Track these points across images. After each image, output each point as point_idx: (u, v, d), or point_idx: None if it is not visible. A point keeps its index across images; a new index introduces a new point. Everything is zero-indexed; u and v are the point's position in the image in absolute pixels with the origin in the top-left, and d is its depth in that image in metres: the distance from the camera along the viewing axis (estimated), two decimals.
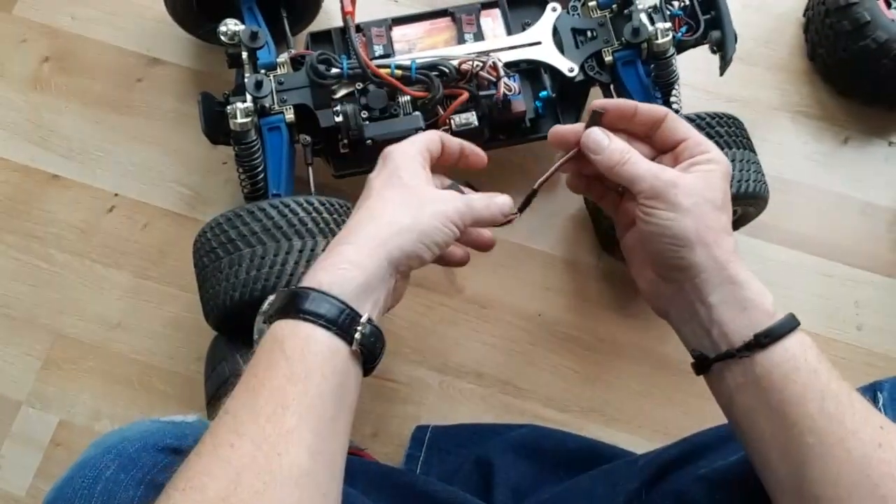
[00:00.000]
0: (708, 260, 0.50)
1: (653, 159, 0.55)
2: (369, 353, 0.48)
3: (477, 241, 0.61)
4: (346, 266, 0.48)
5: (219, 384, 0.80)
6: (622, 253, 0.59)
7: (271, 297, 0.49)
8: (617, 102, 0.55)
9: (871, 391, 0.58)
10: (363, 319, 0.47)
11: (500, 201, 0.56)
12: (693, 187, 0.51)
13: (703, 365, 0.53)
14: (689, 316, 0.53)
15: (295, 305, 0.46)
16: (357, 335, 0.46)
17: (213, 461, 0.42)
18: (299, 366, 0.44)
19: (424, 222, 0.51)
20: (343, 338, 0.46)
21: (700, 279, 0.51)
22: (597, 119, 0.54)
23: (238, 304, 0.72)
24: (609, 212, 0.60)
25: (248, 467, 0.41)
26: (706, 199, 0.51)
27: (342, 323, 0.46)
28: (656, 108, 0.54)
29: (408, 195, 0.52)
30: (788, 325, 0.49)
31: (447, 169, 0.61)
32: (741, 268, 0.51)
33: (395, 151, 0.55)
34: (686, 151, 0.53)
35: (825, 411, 0.46)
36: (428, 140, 0.57)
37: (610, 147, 0.53)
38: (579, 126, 0.55)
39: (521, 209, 0.59)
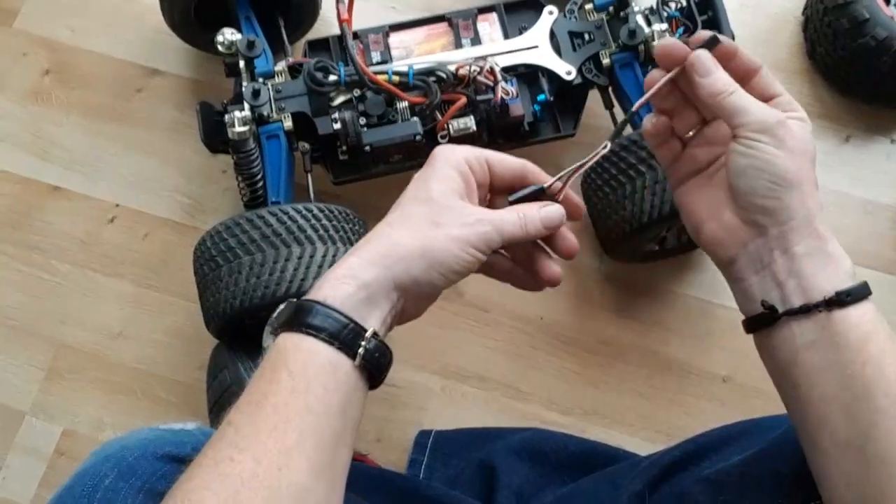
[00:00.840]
0: (801, 207, 0.48)
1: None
2: (375, 368, 0.47)
3: (558, 249, 0.55)
4: (349, 281, 0.47)
5: (220, 392, 0.80)
6: (675, 201, 0.56)
7: (280, 308, 0.48)
8: (722, 39, 0.52)
9: None
10: (368, 334, 0.46)
11: (543, 214, 0.51)
12: (798, 133, 0.49)
13: (767, 320, 0.50)
14: (762, 265, 0.50)
15: (298, 319, 0.45)
16: (361, 350, 0.45)
17: (213, 475, 0.42)
18: (301, 381, 0.44)
19: (438, 248, 0.47)
20: (346, 353, 0.45)
21: (789, 226, 0.48)
22: (708, 46, 0.51)
23: (238, 312, 0.72)
24: (664, 161, 0.56)
25: (247, 483, 0.41)
26: (808, 148, 0.49)
27: (345, 338, 0.45)
28: (754, 59, 0.52)
29: (429, 213, 0.48)
30: (866, 290, 0.48)
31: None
32: (824, 223, 0.49)
33: (439, 154, 0.51)
34: (780, 106, 0.51)
35: None
36: (492, 155, 0.52)
37: (718, 73, 0.50)
38: (687, 47, 0.52)
39: (613, 139, 0.54)
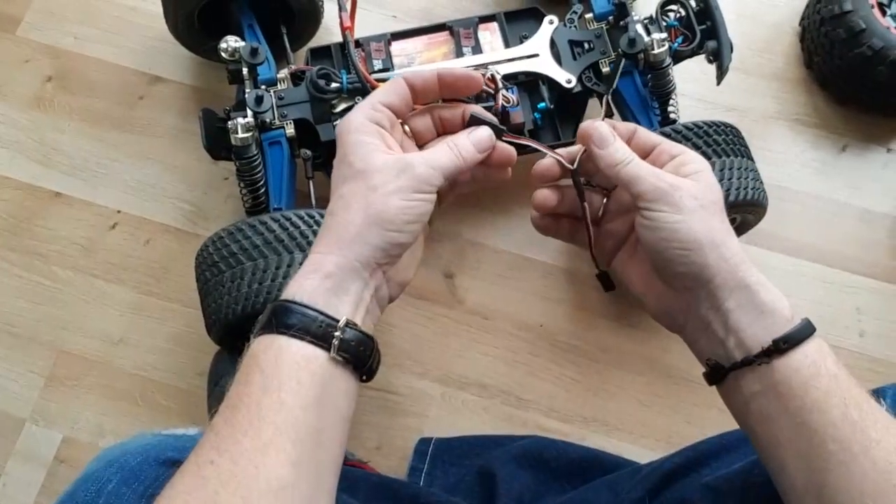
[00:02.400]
0: (720, 262, 0.48)
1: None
2: (355, 357, 0.46)
3: (491, 166, 0.54)
4: (314, 275, 0.47)
5: (221, 399, 0.80)
6: (616, 281, 0.57)
7: (262, 314, 0.48)
8: (597, 123, 0.53)
9: (874, 397, 0.58)
10: (340, 324, 0.45)
11: (474, 139, 0.51)
12: (694, 189, 0.49)
13: (717, 375, 0.51)
14: (703, 326, 0.51)
15: (273, 320, 0.45)
16: (335, 341, 0.45)
17: (194, 480, 0.42)
18: (274, 378, 0.44)
19: (382, 209, 0.47)
20: (319, 345, 0.45)
21: (714, 284, 0.49)
22: (496, 129, 0.53)
23: (240, 318, 0.72)
24: (582, 245, 0.57)
25: (226, 484, 0.41)
26: (709, 200, 0.50)
27: (316, 331, 0.45)
28: (628, 124, 0.54)
29: (361, 184, 0.48)
30: (806, 330, 0.48)
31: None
32: (753, 270, 0.49)
33: (342, 128, 0.50)
34: (664, 154, 0.52)
35: (848, 418, 0.45)
36: (382, 95, 0.51)
37: (615, 144, 0.51)
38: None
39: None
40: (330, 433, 0.45)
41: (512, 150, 0.54)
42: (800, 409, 0.46)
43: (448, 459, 0.84)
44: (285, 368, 0.44)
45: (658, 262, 0.51)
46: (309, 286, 0.46)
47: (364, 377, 0.48)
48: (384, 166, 0.48)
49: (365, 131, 0.49)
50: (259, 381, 0.44)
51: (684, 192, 0.49)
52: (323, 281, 0.46)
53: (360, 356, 0.46)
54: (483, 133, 0.52)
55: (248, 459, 0.42)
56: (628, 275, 0.56)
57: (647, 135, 0.54)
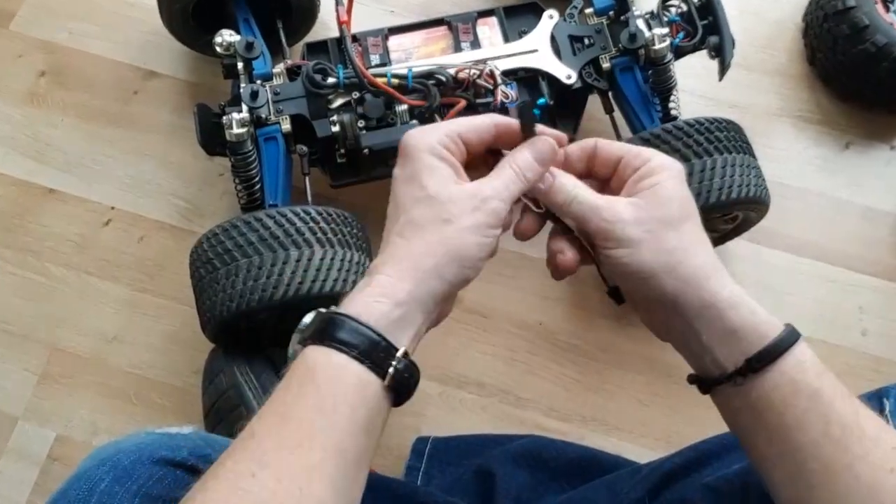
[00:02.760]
0: (680, 285, 0.46)
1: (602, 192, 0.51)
2: (402, 387, 0.45)
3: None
4: (384, 299, 0.45)
5: (216, 397, 0.79)
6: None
7: (310, 316, 0.47)
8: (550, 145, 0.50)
9: (877, 398, 0.57)
10: (399, 354, 0.44)
11: (535, 153, 0.49)
12: (640, 214, 0.47)
13: (702, 387, 0.50)
14: (682, 342, 0.49)
15: (329, 332, 0.44)
16: (391, 370, 0.44)
17: (232, 490, 0.40)
18: (329, 398, 0.43)
19: (460, 244, 0.46)
20: (376, 371, 0.44)
21: (678, 307, 0.47)
22: (526, 129, 0.49)
23: (235, 315, 0.72)
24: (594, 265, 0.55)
25: (268, 502, 0.40)
26: (658, 220, 0.47)
27: (376, 357, 0.44)
28: (584, 141, 0.51)
29: (436, 212, 0.46)
30: (784, 344, 0.45)
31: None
32: (722, 285, 0.46)
33: (412, 144, 0.48)
34: (627, 168, 0.49)
35: (830, 436, 0.44)
36: (465, 128, 0.49)
37: (556, 181, 0.49)
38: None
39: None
40: (367, 458, 0.45)
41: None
42: (778, 427, 0.45)
43: (446, 459, 0.83)
44: (342, 390, 0.43)
45: (624, 290, 0.50)
46: (378, 310, 0.45)
47: (396, 403, 0.47)
48: (460, 198, 0.46)
49: (439, 155, 0.48)
50: (313, 399, 0.43)
51: (627, 223, 0.46)
52: (393, 309, 0.45)
53: (407, 386, 0.46)
54: (542, 143, 0.49)
55: (292, 480, 0.40)
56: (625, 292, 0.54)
57: (608, 149, 0.50)
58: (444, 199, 0.46)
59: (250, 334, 0.79)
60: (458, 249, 0.46)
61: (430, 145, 0.48)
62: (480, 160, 0.50)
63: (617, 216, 0.47)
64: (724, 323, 0.46)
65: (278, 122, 0.80)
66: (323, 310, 0.46)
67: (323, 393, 0.43)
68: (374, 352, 0.44)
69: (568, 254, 0.50)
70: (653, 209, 0.47)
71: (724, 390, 0.48)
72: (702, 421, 0.87)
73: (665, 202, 0.47)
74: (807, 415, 0.44)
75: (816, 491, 0.44)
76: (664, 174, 0.48)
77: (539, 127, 0.50)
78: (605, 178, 0.51)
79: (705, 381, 0.49)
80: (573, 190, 0.48)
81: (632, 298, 0.51)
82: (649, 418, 0.88)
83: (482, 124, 0.49)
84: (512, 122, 0.50)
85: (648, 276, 0.46)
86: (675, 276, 0.46)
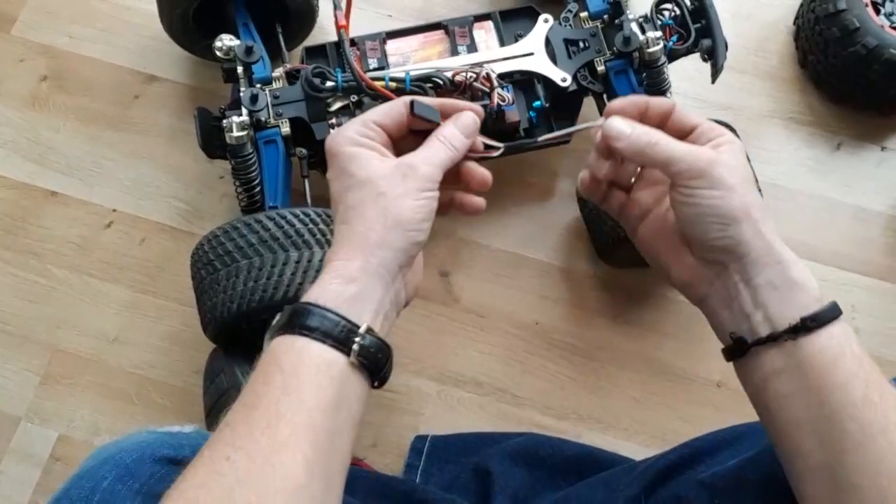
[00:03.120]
0: (756, 238, 0.48)
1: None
2: (372, 363, 0.47)
3: (467, 184, 0.55)
4: (336, 280, 0.47)
5: (217, 397, 0.80)
6: (638, 248, 0.57)
7: (279, 314, 0.49)
8: (628, 99, 0.53)
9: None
10: (361, 330, 0.46)
11: (460, 126, 0.52)
12: (733, 164, 0.49)
13: (738, 350, 0.51)
14: (730, 299, 0.50)
15: (292, 321, 0.46)
16: (355, 346, 0.46)
17: (208, 474, 0.42)
18: (293, 378, 0.44)
19: (399, 210, 0.48)
20: (340, 350, 0.45)
21: (748, 259, 0.49)
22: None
23: (236, 316, 0.72)
24: (613, 212, 0.58)
25: (242, 481, 0.41)
26: (746, 176, 0.49)
27: (338, 335, 0.45)
28: (664, 101, 0.53)
29: (368, 191, 0.48)
30: (834, 312, 0.48)
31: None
32: (785, 247, 0.49)
33: (331, 145, 0.51)
34: (703, 136, 0.51)
35: (869, 400, 0.45)
36: (376, 115, 0.52)
37: (634, 132, 0.50)
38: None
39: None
40: (343, 437, 0.46)
41: (487, 174, 0.54)
42: (821, 388, 0.46)
43: (444, 457, 0.84)
44: (305, 370, 0.44)
45: (694, 235, 0.51)
46: (332, 291, 0.47)
47: (376, 383, 0.48)
48: (387, 172, 0.49)
49: (358, 143, 0.50)
50: (279, 382, 0.44)
51: (723, 167, 0.48)
52: (346, 286, 0.47)
53: (377, 362, 0.47)
54: (467, 118, 0.52)
55: (264, 457, 0.42)
56: (653, 247, 0.55)
57: (684, 116, 0.52)
58: (372, 178, 0.49)
59: (251, 335, 0.79)
60: (396, 216, 0.48)
61: (348, 138, 0.50)
62: (413, 141, 0.52)
63: (714, 158, 0.49)
64: (788, 280, 0.48)
65: (278, 126, 0.81)
66: (289, 305, 0.47)
67: (287, 375, 0.44)
68: (335, 331, 0.45)
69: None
70: (741, 166, 0.49)
71: (764, 352, 0.49)
72: (697, 418, 0.89)
73: (746, 165, 0.50)
74: (850, 378, 0.46)
75: (849, 455, 0.45)
76: (737, 146, 0.50)
77: (463, 102, 0.54)
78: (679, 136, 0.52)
79: (744, 344, 0.50)
80: (655, 135, 0.50)
81: (680, 254, 0.53)
82: (645, 416, 0.89)
83: (393, 108, 0.52)
84: (458, 103, 0.53)
85: (734, 223, 0.48)
86: (756, 228, 0.48)
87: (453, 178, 0.54)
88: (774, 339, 0.48)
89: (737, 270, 0.49)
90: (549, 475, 0.79)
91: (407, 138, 0.53)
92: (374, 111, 0.52)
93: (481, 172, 0.54)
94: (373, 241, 0.48)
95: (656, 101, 0.53)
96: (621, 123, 0.51)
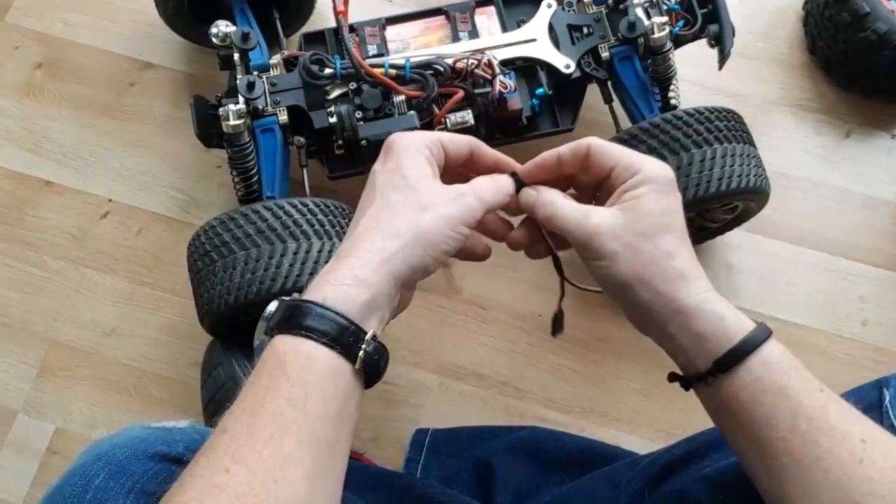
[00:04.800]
0: (652, 296, 0.49)
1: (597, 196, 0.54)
2: (372, 369, 0.46)
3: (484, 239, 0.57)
4: (351, 282, 0.45)
5: (215, 390, 0.79)
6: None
7: (274, 305, 0.47)
8: (536, 160, 0.53)
9: (876, 388, 0.56)
10: (367, 337, 0.45)
11: (503, 183, 0.52)
12: (617, 227, 0.48)
13: (683, 384, 0.52)
14: (659, 342, 0.52)
15: (297, 320, 0.44)
16: (361, 353, 0.45)
17: (207, 487, 0.40)
18: (300, 388, 0.43)
19: (431, 231, 0.47)
20: (346, 356, 0.44)
21: (651, 313, 0.49)
22: (517, 180, 0.53)
23: (233, 308, 0.71)
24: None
25: (242, 496, 0.40)
26: (635, 233, 0.48)
27: (346, 341, 0.44)
28: (577, 144, 0.51)
29: (412, 199, 0.48)
30: (749, 345, 0.47)
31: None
32: (691, 293, 0.48)
33: (399, 142, 0.50)
34: (618, 179, 0.50)
35: (797, 431, 0.45)
36: (448, 140, 0.52)
37: (538, 199, 0.51)
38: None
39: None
40: (343, 443, 0.45)
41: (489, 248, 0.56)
42: (750, 423, 0.47)
43: (445, 451, 0.83)
44: (312, 378, 0.43)
45: (607, 293, 0.52)
46: (345, 293, 0.45)
47: (367, 385, 0.47)
48: (439, 190, 0.49)
49: (423, 153, 0.50)
50: (284, 390, 0.43)
51: (604, 236, 0.48)
52: (362, 292, 0.45)
53: (376, 367, 0.46)
54: (505, 179, 0.52)
55: (266, 472, 0.40)
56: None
57: (600, 157, 0.51)
58: (423, 189, 0.48)
59: (249, 326, 0.78)
60: (426, 234, 0.47)
61: (416, 144, 0.50)
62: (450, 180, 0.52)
63: (595, 230, 0.49)
64: (693, 329, 0.48)
65: (275, 114, 0.79)
66: (286, 298, 0.46)
67: (294, 382, 0.43)
68: (343, 337, 0.44)
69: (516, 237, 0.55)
70: (631, 223, 0.49)
71: (700, 389, 0.50)
72: (700, 411, 0.86)
73: (643, 216, 0.49)
74: (774, 411, 0.46)
75: (790, 485, 0.45)
76: (649, 187, 0.49)
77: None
78: (601, 179, 0.52)
79: (683, 380, 0.51)
80: (552, 205, 0.51)
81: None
82: (648, 409, 0.88)
83: (461, 139, 0.52)
84: (484, 146, 0.53)
85: (623, 286, 0.49)
86: (648, 286, 0.49)
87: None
88: (699, 380, 0.49)
89: (650, 322, 0.50)
90: (551, 469, 0.78)
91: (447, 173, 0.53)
92: (445, 134, 0.52)
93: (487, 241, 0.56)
94: (394, 248, 0.47)
95: (567, 149, 0.52)
96: (528, 192, 0.52)
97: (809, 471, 0.44)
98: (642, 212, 0.49)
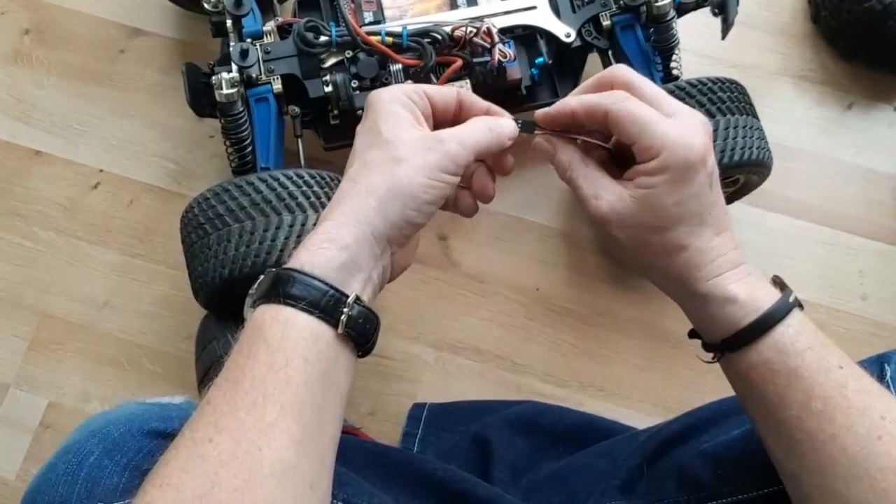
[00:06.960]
0: (664, 280, 0.49)
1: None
2: (360, 335, 0.45)
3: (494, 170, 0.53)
4: (327, 245, 0.45)
5: (209, 364, 0.78)
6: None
7: (260, 279, 0.46)
8: (549, 110, 0.50)
9: (878, 363, 0.56)
10: (349, 300, 0.44)
11: (504, 124, 0.50)
12: (625, 217, 0.47)
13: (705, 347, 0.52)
14: (683, 304, 0.52)
15: (276, 289, 0.43)
16: (343, 317, 0.44)
17: (191, 457, 0.40)
18: (280, 353, 0.42)
19: (407, 183, 0.45)
20: (327, 321, 0.43)
21: (664, 289, 0.51)
22: (527, 124, 0.50)
23: (227, 282, 0.70)
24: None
25: (227, 464, 0.39)
26: (643, 225, 0.47)
27: (325, 305, 0.43)
28: (594, 104, 0.47)
29: (387, 153, 0.46)
30: (757, 330, 0.46)
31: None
32: (701, 279, 0.47)
33: (377, 97, 0.49)
34: (637, 155, 0.47)
35: (811, 410, 0.45)
36: (430, 89, 0.50)
37: (556, 158, 0.51)
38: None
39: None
40: (331, 411, 0.44)
41: (492, 187, 0.52)
42: (762, 401, 0.47)
43: (442, 425, 0.83)
44: (292, 344, 0.42)
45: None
46: (321, 257, 0.44)
47: (361, 353, 0.46)
48: (414, 140, 0.46)
49: (400, 103, 0.48)
50: (264, 357, 0.42)
51: (613, 224, 0.48)
52: (338, 253, 0.44)
53: (364, 333, 0.45)
54: (508, 122, 0.50)
55: (250, 440, 0.40)
56: None
57: (618, 124, 0.47)
58: (397, 141, 0.47)
59: (243, 301, 0.77)
60: (402, 187, 0.45)
61: (393, 95, 0.48)
62: None
63: (601, 217, 0.48)
64: (702, 313, 0.49)
65: (269, 82, 0.77)
66: (272, 269, 0.45)
67: (273, 349, 0.42)
68: (322, 301, 0.43)
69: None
70: (640, 213, 0.47)
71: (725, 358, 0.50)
72: (699, 386, 0.87)
73: (653, 208, 0.47)
74: (786, 391, 0.46)
75: (804, 460, 0.45)
76: (664, 177, 0.46)
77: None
78: (625, 149, 0.49)
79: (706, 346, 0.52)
80: (569, 170, 0.50)
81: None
82: (647, 383, 0.88)
83: (448, 89, 0.50)
84: (475, 97, 0.51)
85: (637, 269, 0.50)
86: (655, 273, 0.50)
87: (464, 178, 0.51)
88: (715, 348, 0.50)
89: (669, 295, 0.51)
90: (549, 444, 0.78)
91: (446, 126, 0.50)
92: (431, 86, 0.50)
93: (509, 158, 0.53)
94: (370, 206, 0.45)
95: (580, 108, 0.49)
96: (544, 145, 0.51)
97: (825, 448, 0.44)
98: (652, 204, 0.46)
